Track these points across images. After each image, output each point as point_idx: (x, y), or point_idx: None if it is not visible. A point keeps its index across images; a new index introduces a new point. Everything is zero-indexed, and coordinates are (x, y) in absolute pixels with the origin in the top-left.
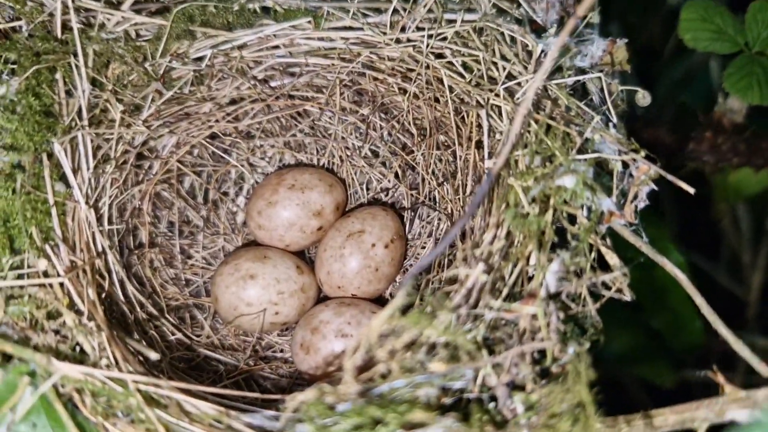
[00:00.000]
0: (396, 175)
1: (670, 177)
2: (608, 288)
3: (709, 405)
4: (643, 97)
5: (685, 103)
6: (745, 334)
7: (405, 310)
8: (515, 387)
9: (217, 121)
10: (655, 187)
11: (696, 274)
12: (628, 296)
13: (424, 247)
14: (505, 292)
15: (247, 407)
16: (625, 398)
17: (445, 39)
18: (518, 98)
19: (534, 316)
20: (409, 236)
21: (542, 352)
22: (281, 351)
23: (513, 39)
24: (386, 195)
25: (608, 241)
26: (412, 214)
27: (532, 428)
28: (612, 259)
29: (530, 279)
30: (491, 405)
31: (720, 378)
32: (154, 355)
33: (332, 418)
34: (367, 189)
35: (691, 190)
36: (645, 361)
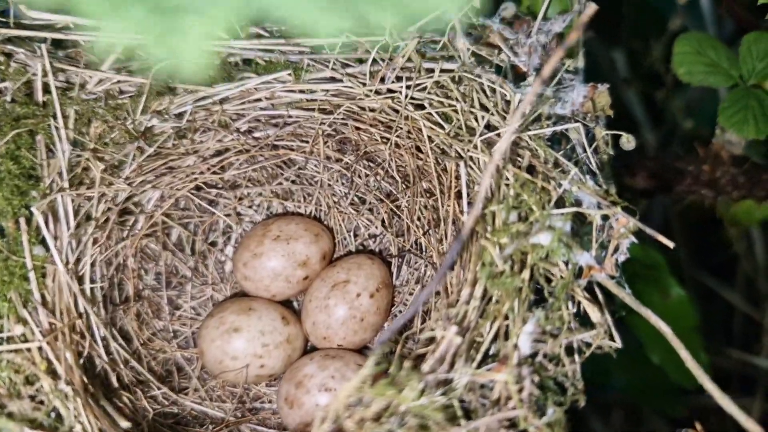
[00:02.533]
0: (383, 222)
1: (649, 231)
2: (589, 345)
3: None
4: (628, 141)
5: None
6: (762, 360)
7: (379, 374)
8: None
9: (201, 173)
10: (636, 240)
11: (711, 298)
12: (618, 344)
13: (411, 294)
14: (482, 352)
15: None
16: (644, 427)
17: (424, 89)
18: (494, 150)
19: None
20: (397, 282)
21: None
22: (269, 402)
23: (492, 88)
24: (374, 242)
25: (597, 291)
26: (400, 260)
27: None
28: (594, 313)
29: (509, 337)
30: None
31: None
32: (124, 424)
33: None
34: (355, 235)
35: (671, 244)
36: (655, 393)
